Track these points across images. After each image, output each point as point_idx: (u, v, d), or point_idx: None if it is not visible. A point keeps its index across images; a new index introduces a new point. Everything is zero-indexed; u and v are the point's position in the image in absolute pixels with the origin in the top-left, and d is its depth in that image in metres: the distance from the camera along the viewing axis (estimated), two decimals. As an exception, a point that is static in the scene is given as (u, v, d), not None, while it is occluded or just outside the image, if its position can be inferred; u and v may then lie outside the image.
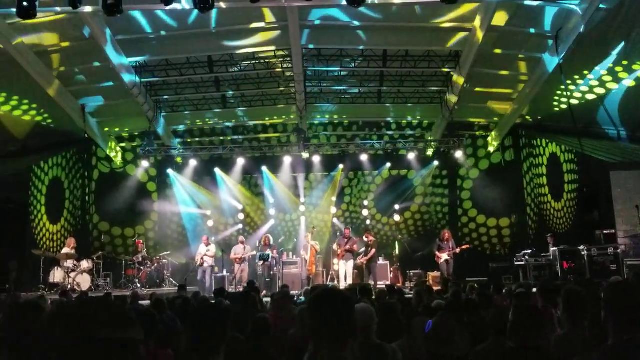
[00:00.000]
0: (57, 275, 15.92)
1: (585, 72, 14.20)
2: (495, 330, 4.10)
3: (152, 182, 21.35)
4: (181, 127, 21.08)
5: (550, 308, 5.79)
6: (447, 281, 12.70)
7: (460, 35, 15.27)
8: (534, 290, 9.77)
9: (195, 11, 12.09)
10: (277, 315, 7.44)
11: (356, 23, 15.09)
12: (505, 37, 14.92)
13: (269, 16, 14.70)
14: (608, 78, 13.92)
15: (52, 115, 17.08)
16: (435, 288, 12.58)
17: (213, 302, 6.82)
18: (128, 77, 16.34)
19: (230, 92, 18.54)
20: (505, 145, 20.94)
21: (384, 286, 14.55)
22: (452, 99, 17.16)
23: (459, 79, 16.39)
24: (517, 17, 14.03)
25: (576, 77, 14.61)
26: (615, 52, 13.03)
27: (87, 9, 11.90)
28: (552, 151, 18.39)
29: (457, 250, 16.64)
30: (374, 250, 16.79)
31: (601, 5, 12.12)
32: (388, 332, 4.92)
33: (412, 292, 10.07)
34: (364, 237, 17.07)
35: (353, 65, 17.07)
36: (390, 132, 21.29)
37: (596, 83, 14.33)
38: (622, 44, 12.68)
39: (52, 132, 17.96)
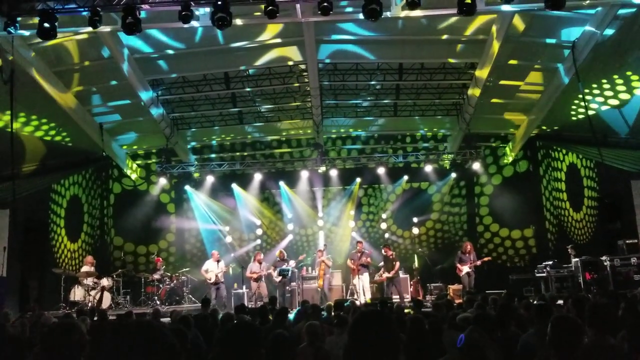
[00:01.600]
0: (77, 294, 15.94)
1: (616, 76, 14.07)
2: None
3: (170, 199, 21.44)
4: (198, 144, 21.20)
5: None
6: (469, 294, 12.62)
7: (476, 46, 15.26)
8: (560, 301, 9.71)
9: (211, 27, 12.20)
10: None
11: (372, 37, 15.15)
12: (521, 47, 14.87)
13: (278, 31, 14.82)
14: (622, 88, 13.90)
15: (70, 134, 17.25)
16: (456, 301, 12.49)
17: (245, 321, 6.76)
18: (145, 95, 16.49)
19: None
20: (523, 156, 20.80)
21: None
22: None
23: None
24: (533, 28, 14.00)
25: (596, 85, 14.51)
26: (632, 62, 12.95)
27: (106, 28, 12.03)
28: (571, 161, 18.22)
29: (478, 263, 16.46)
30: (398, 264, 16.65)
31: (618, 14, 12.08)
32: (418, 347, 4.87)
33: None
34: (383, 251, 16.91)
35: (369, 79, 17.10)
36: (407, 145, 21.26)
37: (621, 89, 14.23)
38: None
39: (70, 151, 18.12)
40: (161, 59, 15.91)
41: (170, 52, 15.36)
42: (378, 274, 16.74)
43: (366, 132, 21.15)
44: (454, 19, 13.86)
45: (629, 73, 13.46)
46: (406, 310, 10.26)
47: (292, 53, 15.95)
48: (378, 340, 2.53)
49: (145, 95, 16.40)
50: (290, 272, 16.71)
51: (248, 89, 17.49)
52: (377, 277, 16.84)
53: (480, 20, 14.06)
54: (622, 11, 12.02)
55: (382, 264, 17.10)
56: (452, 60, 16.25)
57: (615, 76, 13.82)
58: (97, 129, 17.76)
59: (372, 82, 17.27)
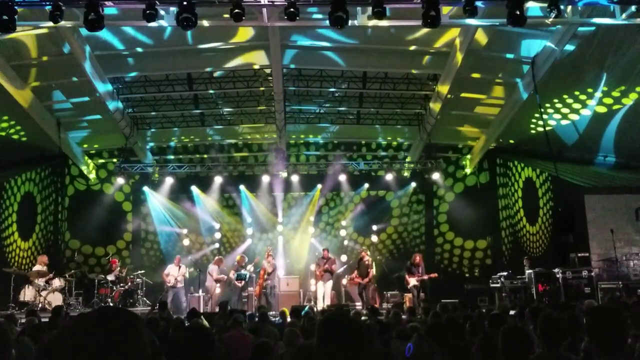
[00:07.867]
0: (27, 294, 15.48)
1: (565, 96, 14.48)
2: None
3: (127, 200, 21.00)
4: (158, 144, 20.88)
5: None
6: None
7: (439, 58, 15.47)
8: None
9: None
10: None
11: (337, 44, 15.21)
12: (482, 61, 15.13)
13: (247, 34, 14.75)
14: (578, 105, 14.33)
15: (26, 129, 16.81)
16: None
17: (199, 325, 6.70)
18: (105, 93, 16.17)
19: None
20: (481, 168, 21.15)
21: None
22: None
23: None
24: (495, 42, 14.26)
25: (553, 101, 14.88)
26: (590, 79, 13.34)
27: (68, 24, 11.77)
28: (528, 175, 18.62)
29: (425, 278, 16.45)
30: (372, 271, 16.87)
31: (576, 33, 12.43)
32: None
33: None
34: (361, 255, 17.16)
35: (333, 86, 17.17)
36: (368, 153, 21.38)
37: (571, 108, 14.65)
38: (597, 71, 13.00)
39: (25, 147, 17.66)
40: (124, 57, 15.64)
41: (135, 50, 15.11)
42: (349, 276, 16.77)
43: (328, 139, 21.19)
44: (419, 30, 14.04)
45: (589, 90, 13.89)
46: (363, 318, 10.31)
47: (258, 57, 15.88)
48: (345, 342, 2.49)
49: (105, 92, 16.08)
50: (248, 277, 16.62)
51: (211, 91, 17.33)
52: (347, 281, 16.91)
53: (443, 33, 14.27)
54: (580, 29, 12.38)
55: (343, 268, 17.27)
56: (415, 71, 16.43)
57: (574, 93, 14.22)
58: (54, 126, 17.32)
59: (336, 89, 17.33)
